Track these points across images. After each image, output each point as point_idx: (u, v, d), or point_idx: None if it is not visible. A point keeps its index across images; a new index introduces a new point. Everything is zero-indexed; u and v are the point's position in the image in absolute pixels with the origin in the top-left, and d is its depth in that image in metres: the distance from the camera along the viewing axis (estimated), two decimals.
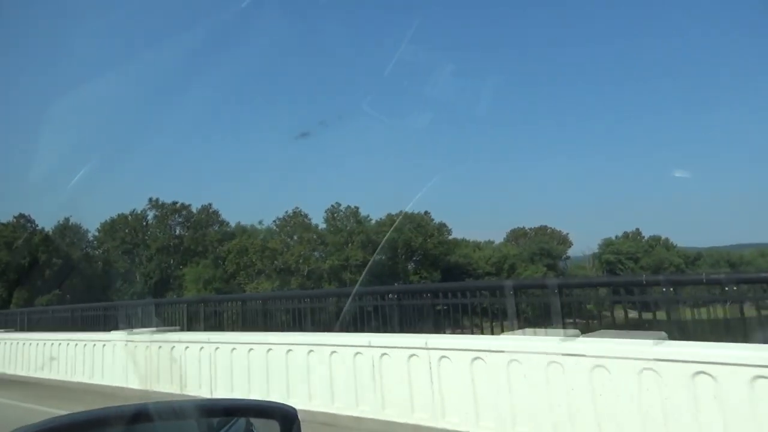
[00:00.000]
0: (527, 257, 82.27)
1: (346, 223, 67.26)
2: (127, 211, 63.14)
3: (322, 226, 66.85)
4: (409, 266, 72.00)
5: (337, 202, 68.91)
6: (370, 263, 61.33)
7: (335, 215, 68.88)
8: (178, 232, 61.06)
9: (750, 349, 4.33)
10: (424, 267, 70.65)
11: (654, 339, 4.85)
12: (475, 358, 5.80)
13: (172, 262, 58.70)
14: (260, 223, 67.41)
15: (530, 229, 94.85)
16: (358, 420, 6.66)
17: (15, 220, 54.27)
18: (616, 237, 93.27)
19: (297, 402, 6.71)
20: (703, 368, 4.31)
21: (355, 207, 67.87)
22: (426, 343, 6.22)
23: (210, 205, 63.38)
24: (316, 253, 63.79)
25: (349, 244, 65.37)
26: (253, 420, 1.80)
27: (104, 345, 10.90)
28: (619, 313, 6.61)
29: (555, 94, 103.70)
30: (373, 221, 69.59)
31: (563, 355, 5.15)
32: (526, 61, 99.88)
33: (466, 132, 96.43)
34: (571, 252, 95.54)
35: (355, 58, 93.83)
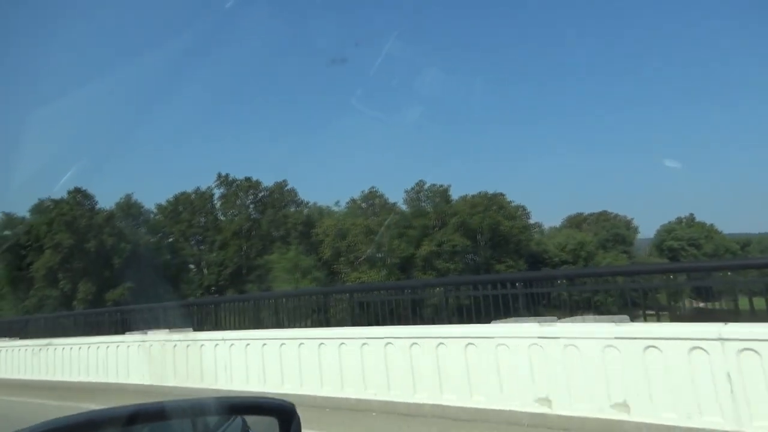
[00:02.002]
0: (598, 244, 77.03)
1: (431, 204, 59.98)
2: (189, 189, 53.80)
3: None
4: (489, 253, 65.06)
5: (421, 180, 61.53)
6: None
7: (419, 195, 61.53)
8: (252, 213, 52.11)
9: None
10: (508, 254, 63.74)
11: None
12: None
13: (244, 248, 49.87)
14: (336, 204, 59.34)
15: (590, 214, 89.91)
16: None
17: (70, 196, 44.33)
18: (669, 222, 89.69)
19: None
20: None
21: (444, 185, 60.63)
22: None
23: (285, 182, 54.70)
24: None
25: (438, 228, 58.09)
26: (252, 417, 1.76)
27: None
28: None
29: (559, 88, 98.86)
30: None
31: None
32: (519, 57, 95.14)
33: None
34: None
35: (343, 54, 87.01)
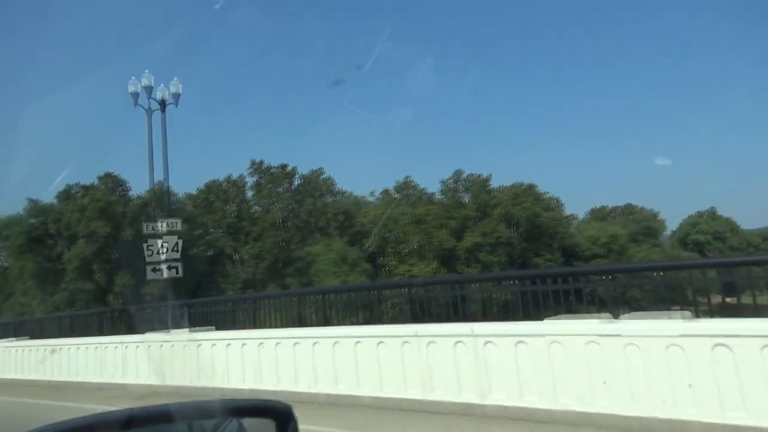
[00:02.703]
0: (629, 237, 75.15)
1: (471, 194, 57.26)
2: (221, 177, 50.40)
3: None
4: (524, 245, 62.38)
5: (459, 169, 58.82)
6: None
7: (457, 185, 58.79)
8: (289, 203, 48.83)
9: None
10: (544, 247, 61.12)
11: None
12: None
13: (279, 239, 46.68)
14: (371, 194, 56.36)
15: (613, 208, 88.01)
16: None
17: (101, 181, 40.70)
18: (691, 216, 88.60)
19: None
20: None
21: (484, 175, 57.98)
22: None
23: (321, 170, 51.55)
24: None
25: (477, 220, 55.40)
26: (249, 420, 1.74)
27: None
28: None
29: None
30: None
31: None
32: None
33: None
34: None
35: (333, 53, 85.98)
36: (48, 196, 40.43)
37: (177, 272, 12.71)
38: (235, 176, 50.37)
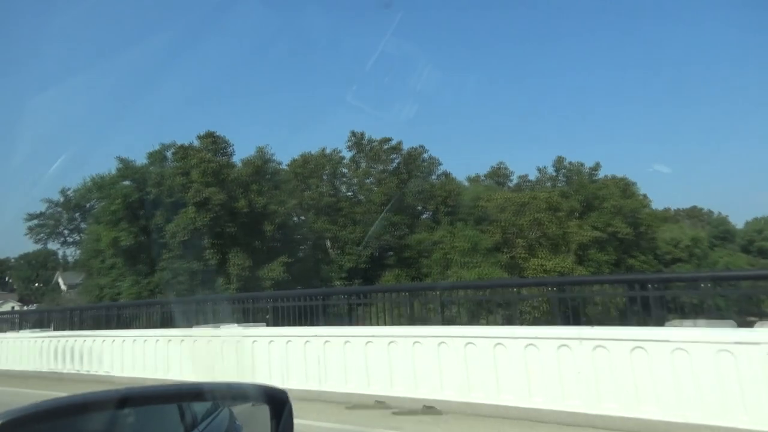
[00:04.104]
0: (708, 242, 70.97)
1: (574, 184, 51.74)
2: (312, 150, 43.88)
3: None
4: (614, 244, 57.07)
5: (560, 156, 53.36)
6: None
7: (559, 174, 53.32)
8: (393, 183, 42.47)
9: None
10: (635, 247, 55.90)
11: None
12: None
13: (386, 224, 40.39)
14: (468, 179, 50.48)
15: (677, 210, 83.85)
16: None
17: (203, 142, 33.76)
18: (754, 220, 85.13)
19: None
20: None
21: (589, 164, 52.53)
22: None
23: (423, 147, 45.44)
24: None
25: (578, 215, 49.89)
26: (243, 404, 1.71)
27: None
28: None
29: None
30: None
31: None
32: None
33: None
34: None
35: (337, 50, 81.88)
36: (137, 157, 33.46)
37: None
38: (329, 150, 43.96)
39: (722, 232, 72.08)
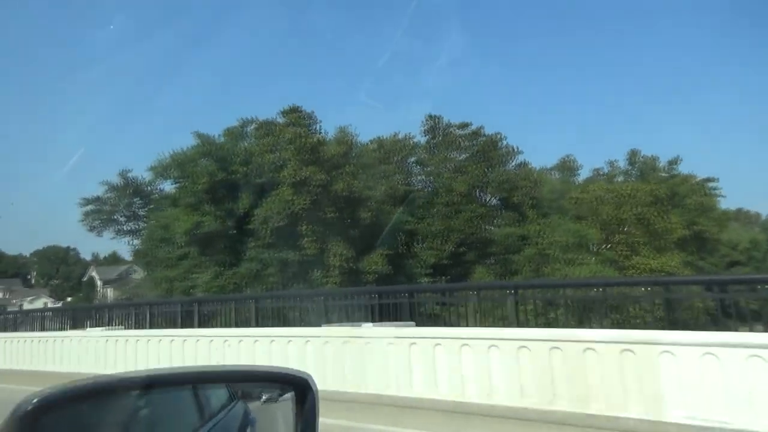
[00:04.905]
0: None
1: (652, 179, 48.18)
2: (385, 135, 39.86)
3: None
4: None
5: (634, 149, 49.94)
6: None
7: (634, 168, 49.83)
8: (474, 171, 38.51)
9: None
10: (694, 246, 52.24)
11: None
12: None
13: (473, 216, 36.45)
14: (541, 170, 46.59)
15: (725, 212, 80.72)
16: None
17: (287, 117, 29.52)
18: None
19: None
20: None
21: (670, 158, 49.06)
22: None
23: (501, 134, 41.64)
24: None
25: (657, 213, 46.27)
26: (268, 389, 1.72)
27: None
28: None
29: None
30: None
31: None
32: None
33: None
34: None
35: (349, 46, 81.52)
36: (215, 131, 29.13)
37: None
38: (401, 135, 39.94)
39: None
